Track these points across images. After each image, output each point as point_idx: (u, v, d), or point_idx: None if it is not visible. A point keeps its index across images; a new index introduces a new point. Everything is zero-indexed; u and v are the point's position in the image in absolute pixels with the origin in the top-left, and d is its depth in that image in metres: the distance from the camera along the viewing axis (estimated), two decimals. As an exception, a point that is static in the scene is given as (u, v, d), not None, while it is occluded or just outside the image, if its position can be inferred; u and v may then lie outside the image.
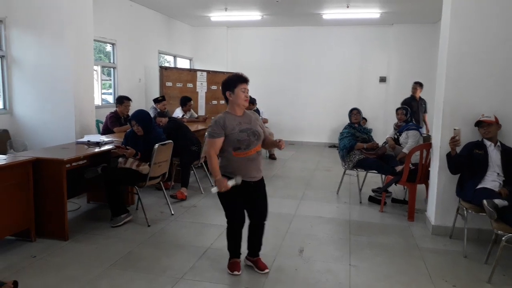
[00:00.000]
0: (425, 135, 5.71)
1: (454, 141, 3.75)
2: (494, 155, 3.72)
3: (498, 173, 3.67)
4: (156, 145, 4.22)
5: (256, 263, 3.29)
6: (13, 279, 2.75)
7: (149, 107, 7.00)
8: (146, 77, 8.68)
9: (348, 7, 8.25)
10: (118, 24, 7.67)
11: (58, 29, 5.25)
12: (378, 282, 3.15)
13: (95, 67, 6.91)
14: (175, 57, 10.39)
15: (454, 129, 3.77)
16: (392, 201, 5.33)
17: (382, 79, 10.39)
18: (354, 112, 5.61)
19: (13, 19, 5.39)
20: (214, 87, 9.20)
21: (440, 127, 4.09)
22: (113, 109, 6.05)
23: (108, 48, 7.85)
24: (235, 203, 3.10)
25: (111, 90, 7.94)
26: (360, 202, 5.28)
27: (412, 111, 6.65)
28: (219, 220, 4.40)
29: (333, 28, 10.33)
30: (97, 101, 7.21)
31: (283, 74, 10.63)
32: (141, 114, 4.44)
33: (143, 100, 8.40)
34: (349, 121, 5.64)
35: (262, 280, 3.13)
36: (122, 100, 5.92)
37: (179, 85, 8.41)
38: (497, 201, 3.26)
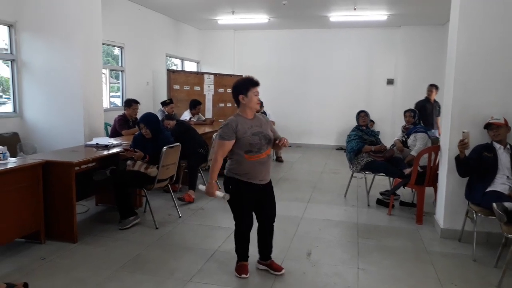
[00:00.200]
0: (433, 137, 5.68)
1: (462, 144, 3.72)
2: (504, 157, 3.69)
3: (507, 176, 3.64)
4: (164, 148, 4.25)
5: (270, 266, 3.30)
6: (23, 281, 2.78)
7: (157, 110, 7.03)
8: (154, 80, 8.73)
9: (355, 9, 8.24)
10: (126, 28, 7.72)
11: (68, 33, 5.30)
12: (387, 286, 3.13)
13: (104, 71, 6.97)
14: (182, 60, 10.44)
15: (463, 132, 3.75)
16: (400, 204, 5.30)
17: (390, 81, 10.36)
18: (362, 115, 5.60)
19: (23, 24, 5.45)
20: (221, 90, 9.23)
21: (448, 130, 4.07)
22: (121, 112, 6.09)
23: (116, 51, 7.91)
24: (244, 205, 3.11)
25: (119, 93, 7.99)
26: (368, 205, 5.25)
27: (426, 113, 6.63)
28: (227, 222, 4.41)
29: (340, 30, 10.31)
30: (106, 104, 7.26)
31: (290, 76, 10.63)
32: (149, 117, 4.47)
33: (151, 103, 8.44)
34: (356, 124, 5.63)
35: (270, 283, 3.13)
36: (130, 103, 5.95)
37: (186, 88, 8.45)
38: (507, 204, 3.23)
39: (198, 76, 8.92)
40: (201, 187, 3.14)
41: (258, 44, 10.97)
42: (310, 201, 5.42)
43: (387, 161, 5.19)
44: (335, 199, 5.58)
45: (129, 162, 4.38)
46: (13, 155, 4.38)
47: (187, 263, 3.44)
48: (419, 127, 5.46)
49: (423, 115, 6.68)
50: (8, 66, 5.60)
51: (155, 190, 4.82)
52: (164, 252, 3.69)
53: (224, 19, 9.48)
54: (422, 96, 7.32)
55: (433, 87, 7.13)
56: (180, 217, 4.62)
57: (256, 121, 3.09)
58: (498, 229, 3.44)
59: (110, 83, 7.70)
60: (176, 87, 8.25)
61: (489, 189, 3.62)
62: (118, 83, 7.96)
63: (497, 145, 3.75)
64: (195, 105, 7.32)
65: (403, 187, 4.97)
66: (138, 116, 5.24)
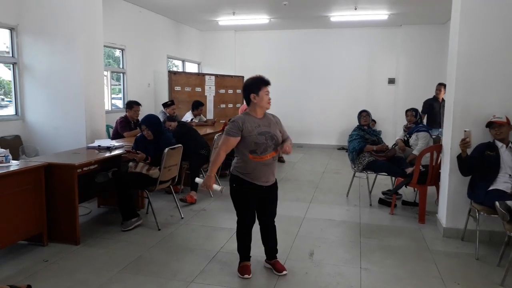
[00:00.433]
0: (434, 136, 5.67)
1: (464, 143, 3.72)
2: (506, 156, 3.68)
3: (510, 175, 3.63)
4: (166, 149, 4.25)
5: (274, 265, 3.31)
6: (27, 283, 2.79)
7: (158, 111, 7.04)
8: (155, 82, 8.75)
9: (356, 9, 8.24)
10: (127, 30, 7.74)
11: (69, 36, 5.32)
12: (389, 285, 3.13)
13: (105, 73, 6.98)
14: (183, 61, 10.45)
15: (465, 131, 3.74)
16: (402, 203, 5.29)
17: (391, 81, 10.35)
18: (363, 114, 5.59)
19: (25, 27, 5.48)
20: (222, 91, 9.24)
21: (450, 129, 4.06)
22: (123, 114, 6.11)
23: (117, 53, 7.93)
24: (247, 203, 3.14)
25: (120, 95, 8.01)
26: (370, 205, 5.25)
27: (433, 112, 6.60)
28: (229, 223, 4.42)
29: (341, 30, 10.31)
30: (107, 106, 7.28)
31: (291, 76, 10.63)
32: (151, 119, 4.48)
33: (152, 104, 8.46)
34: (358, 123, 5.62)
35: (273, 283, 3.13)
36: (131, 105, 5.96)
37: (187, 89, 8.47)
38: (509, 202, 3.21)
39: (199, 77, 8.93)
40: (198, 180, 3.18)
41: (259, 45, 10.97)
42: (312, 201, 5.42)
43: (389, 160, 5.18)
44: (337, 199, 5.58)
45: (131, 163, 4.38)
46: (15, 158, 4.41)
47: (189, 264, 3.44)
48: (421, 126, 5.45)
49: (431, 114, 6.66)
50: (10, 69, 5.62)
51: (157, 192, 4.83)
52: (167, 253, 3.69)
53: (225, 20, 9.49)
54: (423, 95, 7.32)
55: (441, 86, 7.09)
56: (182, 218, 4.62)
57: (265, 120, 3.09)
58: (501, 227, 3.43)
59: (111, 85, 7.72)
60: (177, 88, 8.26)
61: (491, 187, 3.62)
62: (120, 85, 7.98)
63: (499, 144, 3.74)
64: (198, 106, 7.33)
65: (405, 187, 4.96)
66: (140, 117, 5.24)
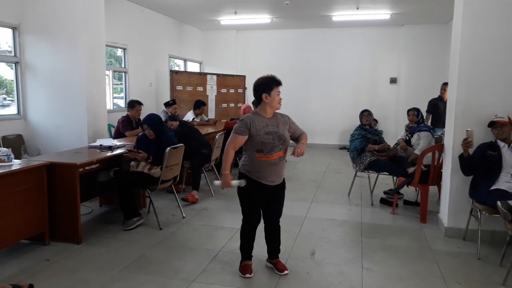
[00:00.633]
0: (437, 136, 5.66)
1: (466, 143, 3.71)
2: (508, 156, 3.68)
3: (511, 175, 3.63)
4: (168, 149, 4.25)
5: (275, 265, 3.31)
6: (29, 283, 2.80)
7: (160, 110, 7.05)
8: (157, 81, 8.75)
9: (358, 8, 8.23)
10: (129, 29, 7.75)
11: (71, 35, 5.32)
12: (391, 285, 3.12)
13: (107, 72, 6.99)
14: (185, 61, 10.46)
15: (467, 131, 3.73)
16: (404, 203, 5.29)
17: (393, 80, 10.33)
18: (365, 114, 5.58)
19: (27, 26, 5.48)
20: (224, 90, 9.25)
21: (452, 128, 4.05)
22: (124, 113, 6.11)
23: (119, 52, 7.94)
24: (253, 202, 3.13)
25: (122, 94, 8.02)
26: (372, 204, 5.24)
27: (438, 112, 6.58)
28: (230, 222, 4.43)
29: (343, 29, 10.30)
30: (109, 106, 7.29)
31: (293, 76, 10.60)
32: (153, 118, 4.48)
33: (154, 104, 8.47)
34: (360, 123, 5.61)
35: (274, 283, 3.13)
36: (133, 104, 5.97)
37: (189, 88, 8.47)
38: (511, 202, 3.21)
39: (201, 76, 8.93)
40: (217, 182, 3.10)
41: (260, 44, 10.97)
42: (314, 201, 5.41)
43: (390, 160, 5.18)
44: (338, 198, 5.57)
45: (132, 163, 4.39)
46: (17, 157, 4.42)
47: (191, 264, 3.45)
48: (423, 125, 5.44)
49: (435, 113, 6.64)
50: (12, 68, 5.63)
51: (159, 191, 4.84)
52: (168, 252, 3.69)
53: (227, 19, 9.49)
54: (425, 94, 7.31)
55: (446, 85, 7.03)
56: (183, 217, 4.63)
57: (273, 120, 3.09)
58: (503, 227, 3.42)
59: (113, 84, 7.72)
60: (179, 87, 8.27)
61: (493, 187, 3.61)
62: (121, 84, 7.99)
63: (501, 143, 3.73)
64: (199, 105, 7.33)
65: (407, 186, 4.95)
66: (142, 117, 5.25)
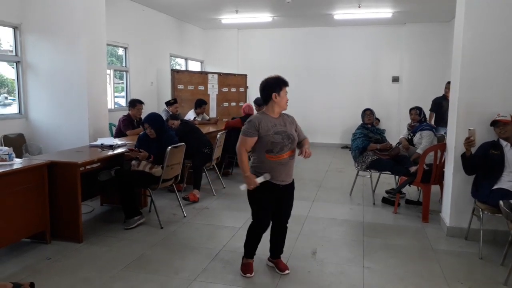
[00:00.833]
0: (440, 135, 5.64)
1: (469, 142, 3.69)
2: (510, 155, 3.66)
3: (514, 174, 3.61)
4: (169, 148, 4.25)
5: (277, 264, 3.31)
6: (30, 281, 2.79)
7: (161, 110, 7.05)
8: (158, 80, 8.75)
9: (359, 7, 8.20)
10: (130, 28, 7.75)
11: (72, 35, 5.32)
12: (392, 284, 3.11)
13: (108, 71, 6.99)
14: (186, 59, 10.45)
15: (469, 130, 3.72)
16: (406, 202, 5.27)
17: (395, 79, 10.31)
18: (367, 113, 5.56)
19: (28, 26, 5.49)
20: (225, 89, 9.23)
21: (454, 127, 4.03)
22: (125, 112, 6.11)
23: (120, 52, 7.94)
24: (265, 203, 3.09)
25: (123, 94, 8.02)
26: (374, 204, 5.23)
27: (442, 111, 6.55)
28: (232, 222, 4.42)
29: (345, 28, 10.28)
30: (110, 105, 7.29)
31: (294, 75, 10.51)
32: (154, 117, 4.48)
33: (155, 103, 8.47)
34: (362, 122, 5.60)
35: (275, 282, 3.12)
36: (134, 103, 5.97)
37: (190, 87, 8.46)
38: (513, 202, 3.20)
39: (202, 75, 8.92)
40: (242, 187, 3.02)
41: (262, 43, 10.96)
42: (315, 200, 5.40)
43: (392, 159, 5.16)
44: (340, 197, 5.56)
45: (133, 162, 4.38)
46: (18, 156, 4.42)
47: (192, 263, 3.44)
48: (425, 124, 5.42)
49: (439, 112, 6.62)
50: (13, 67, 5.63)
51: (160, 190, 4.84)
52: (169, 251, 3.69)
53: (228, 18, 9.48)
54: (427, 93, 7.29)
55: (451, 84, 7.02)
56: (185, 216, 4.62)
57: (281, 120, 3.09)
58: (505, 227, 3.41)
59: (114, 83, 7.72)
60: (180, 87, 8.25)
61: (495, 186, 3.60)
62: (123, 83, 7.99)
63: (503, 143, 3.72)
64: (201, 104, 7.32)
65: (409, 185, 4.94)
66: (143, 116, 5.24)
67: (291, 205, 3.23)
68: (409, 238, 4.09)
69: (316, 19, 9.56)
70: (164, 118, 5.34)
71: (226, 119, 7.94)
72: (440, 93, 6.91)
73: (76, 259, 3.49)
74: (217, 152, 5.75)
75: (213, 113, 8.80)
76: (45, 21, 5.41)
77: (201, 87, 8.71)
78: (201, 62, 11.23)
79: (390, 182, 5.96)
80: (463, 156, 3.80)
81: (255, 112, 6.42)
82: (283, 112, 3.17)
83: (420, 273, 3.31)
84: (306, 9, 8.49)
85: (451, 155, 4.11)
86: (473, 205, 3.84)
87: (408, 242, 3.97)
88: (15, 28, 5.50)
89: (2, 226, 3.32)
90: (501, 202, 3.20)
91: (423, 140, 5.17)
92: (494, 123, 3.76)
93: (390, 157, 5.18)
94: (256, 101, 6.24)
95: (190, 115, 7.32)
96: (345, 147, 10.18)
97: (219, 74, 9.19)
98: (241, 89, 9.66)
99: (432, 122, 6.49)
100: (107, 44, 6.23)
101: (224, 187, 5.93)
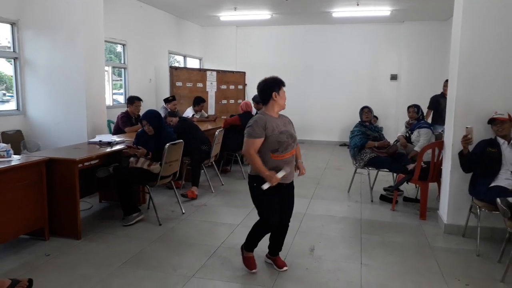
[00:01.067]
0: (437, 133, 5.65)
1: (466, 140, 3.71)
2: (508, 153, 3.67)
3: (511, 171, 3.62)
4: (167, 145, 4.25)
5: (275, 261, 3.32)
6: (28, 277, 2.79)
7: (160, 107, 7.04)
8: (157, 77, 8.74)
9: (358, 4, 8.20)
10: (128, 25, 7.73)
11: (70, 31, 5.31)
12: (390, 281, 3.13)
13: (106, 68, 6.97)
14: (185, 57, 10.44)
15: (466, 128, 3.73)
16: (403, 199, 5.29)
17: (393, 77, 10.32)
18: (365, 110, 5.57)
19: (26, 22, 5.47)
20: (223, 87, 9.23)
21: (452, 125, 4.04)
22: (124, 109, 6.10)
23: (119, 48, 7.92)
24: (273, 202, 3.08)
25: (122, 90, 8.01)
26: (372, 201, 5.25)
27: (439, 108, 6.56)
28: (230, 218, 4.43)
29: (343, 26, 10.28)
30: (108, 101, 7.28)
31: (293, 72, 10.57)
32: (152, 114, 4.47)
33: (153, 100, 8.46)
34: (360, 119, 5.61)
35: (273, 279, 3.13)
36: (133, 100, 5.96)
37: (189, 84, 8.45)
38: (511, 199, 3.21)
39: (201, 73, 8.91)
40: (265, 186, 2.95)
41: (260, 41, 10.95)
42: (314, 197, 5.42)
43: (390, 156, 5.17)
44: (338, 195, 5.58)
45: (132, 159, 4.38)
46: (16, 152, 4.42)
47: (190, 259, 3.45)
48: (423, 122, 5.43)
49: (437, 110, 6.64)
50: (11, 64, 5.62)
51: (158, 187, 4.84)
52: (167, 248, 3.70)
53: (227, 15, 9.47)
54: (425, 91, 7.30)
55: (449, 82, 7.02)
56: (183, 213, 4.63)
57: (280, 120, 3.10)
58: (502, 224, 3.43)
59: (113, 80, 7.71)
60: (179, 84, 8.25)
61: (493, 184, 3.61)
62: (121, 80, 7.97)
63: (501, 140, 3.73)
64: (199, 102, 7.32)
65: (407, 183, 4.95)
66: (141, 113, 5.24)
67: (293, 203, 3.24)
68: (406, 235, 4.11)
69: (314, 16, 9.55)
70: (163, 115, 5.35)
71: (225, 117, 7.94)
72: (439, 91, 6.92)
73: (74, 256, 3.50)
74: (216, 149, 5.75)
75: (211, 111, 8.80)
76: (43, 17, 5.39)
77: (200, 84, 8.70)
78: (200, 59, 11.22)
79: (388, 179, 5.97)
80: (461, 154, 3.81)
81: (253, 109, 6.42)
82: (280, 113, 3.18)
83: (417, 270, 3.33)
84: (304, 6, 8.49)
85: (449, 153, 4.12)
86: (470, 202, 3.86)
87: (405, 239, 3.99)
88: (13, 24, 5.48)
89: (0, 222, 3.32)
90: (498, 200, 3.21)
91: (420, 138, 5.18)
92: (492, 121, 3.77)
93: (388, 155, 5.19)
94: (254, 99, 6.24)
95: (189, 113, 7.32)
96: (343, 144, 10.20)
97: (218, 71, 9.18)
98: (240, 87, 9.66)
99: (430, 120, 6.50)
100: (106, 41, 6.22)
101: (223, 184, 5.94)
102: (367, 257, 3.55)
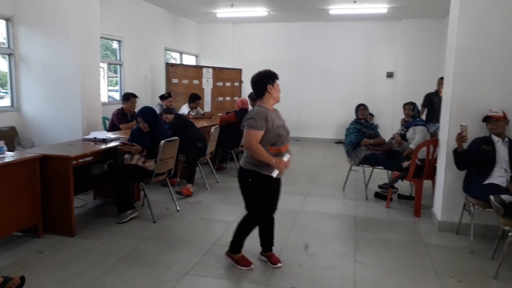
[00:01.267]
0: (432, 130, 5.66)
1: (461, 137, 3.72)
2: (502, 150, 3.69)
3: (505, 169, 3.64)
4: (162, 142, 4.24)
5: (269, 258, 3.32)
6: (20, 275, 2.79)
7: (155, 103, 7.02)
8: (152, 74, 8.71)
9: (355, 2, 8.18)
10: (124, 22, 7.69)
11: (65, 27, 5.27)
12: (384, 278, 3.14)
13: (102, 64, 6.94)
14: (181, 53, 10.40)
15: (461, 125, 3.74)
16: (398, 197, 5.30)
17: (390, 75, 10.33)
18: (361, 108, 5.58)
19: (21, 17, 5.43)
20: (220, 84, 9.21)
21: (447, 123, 4.05)
22: (119, 106, 6.08)
23: (115, 45, 7.88)
24: (270, 194, 3.13)
25: (117, 87, 7.97)
26: (366, 198, 5.26)
27: (433, 106, 6.58)
28: (225, 216, 4.43)
29: (340, 23, 10.27)
30: (104, 98, 7.25)
31: (289, 70, 10.55)
32: (147, 111, 4.46)
33: (149, 97, 8.43)
34: (355, 117, 5.61)
35: (267, 276, 3.14)
36: (128, 97, 5.94)
37: (185, 81, 8.43)
38: (504, 196, 3.22)
39: (197, 69, 8.89)
40: (275, 173, 2.97)
41: (257, 37, 10.93)
42: (309, 194, 5.42)
43: (385, 154, 5.18)
44: (333, 192, 5.58)
45: (126, 156, 4.37)
46: (10, 149, 4.40)
47: (184, 256, 3.45)
48: (418, 120, 5.44)
49: (430, 108, 6.65)
50: (5, 60, 5.58)
51: (154, 184, 4.83)
52: (162, 245, 3.69)
53: (223, 12, 9.44)
54: (421, 89, 7.30)
55: (443, 80, 7.02)
56: (178, 210, 4.62)
57: (275, 114, 3.10)
58: (495, 221, 3.44)
59: (108, 77, 7.68)
60: (175, 80, 8.22)
61: (486, 181, 3.62)
62: (117, 77, 7.94)
63: (495, 138, 3.74)
64: (194, 99, 7.30)
65: (401, 180, 4.96)
66: (136, 110, 5.22)
67: (279, 197, 3.26)
68: (401, 232, 4.12)
69: (311, 14, 9.53)
70: (158, 112, 5.33)
71: (221, 114, 7.92)
72: (434, 89, 6.93)
73: (68, 253, 3.49)
74: (211, 147, 5.74)
75: (207, 108, 8.78)
76: (38, 13, 5.35)
77: (196, 81, 8.68)
78: (196, 56, 11.18)
79: (383, 177, 5.99)
80: (455, 151, 3.82)
81: (250, 107, 6.41)
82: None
83: (411, 267, 3.34)
84: (301, 3, 8.47)
85: (443, 150, 4.14)
86: (464, 200, 3.87)
87: (400, 237, 4.00)
88: (7, 20, 5.44)
89: (-7, 219, 3.31)
90: (491, 197, 3.23)
91: (416, 135, 5.19)
92: (486, 119, 3.78)
93: (383, 152, 5.20)
94: (250, 96, 6.23)
95: (184, 109, 7.30)
96: (339, 142, 10.21)
97: (214, 68, 9.15)
98: (236, 84, 9.64)
99: (424, 118, 6.51)
100: (101, 37, 6.19)
101: (218, 182, 5.93)
102: (361, 254, 3.56)
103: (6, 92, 5.76)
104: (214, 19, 10.19)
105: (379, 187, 5.53)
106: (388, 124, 9.87)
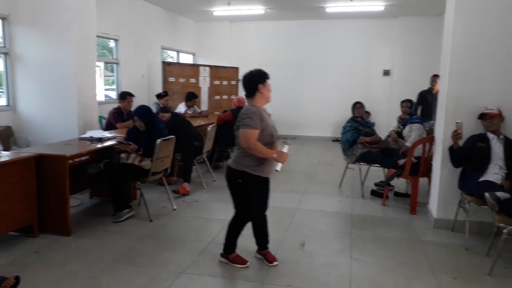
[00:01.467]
0: (428, 128, 5.67)
1: (456, 135, 3.73)
2: (497, 148, 3.70)
3: (500, 166, 3.65)
4: (158, 141, 4.23)
5: (265, 256, 3.33)
6: (16, 274, 2.78)
7: (152, 102, 7.00)
8: (149, 73, 8.69)
9: (351, 0, 8.19)
10: (121, 20, 7.67)
11: (61, 26, 5.26)
12: (380, 275, 3.15)
13: (98, 63, 6.92)
14: (178, 52, 10.38)
15: (456, 123, 3.75)
16: (394, 194, 5.31)
17: (386, 73, 10.33)
18: (357, 106, 5.59)
19: (17, 16, 5.41)
20: (217, 82, 9.20)
21: (443, 120, 4.07)
22: (116, 105, 6.07)
23: (111, 44, 7.86)
24: (261, 193, 3.15)
25: (114, 86, 7.96)
26: (363, 196, 5.27)
27: (426, 104, 6.59)
28: (221, 214, 4.43)
29: (337, 21, 10.26)
30: (100, 97, 7.23)
31: (286, 68, 10.57)
32: (143, 110, 4.45)
33: (146, 95, 8.40)
34: (352, 115, 5.61)
35: (263, 274, 3.14)
36: (124, 96, 5.93)
37: (182, 80, 8.41)
38: (499, 193, 3.25)
39: (194, 68, 8.88)
40: (278, 167, 3.01)
41: (254, 36, 10.92)
42: (306, 193, 5.43)
43: (381, 152, 5.19)
44: (330, 190, 5.59)
45: (123, 155, 4.36)
46: (7, 148, 4.39)
47: (181, 255, 3.45)
48: (415, 117, 5.45)
49: (424, 105, 6.66)
50: (1, 59, 5.56)
51: (150, 183, 4.82)
52: (158, 244, 3.69)
53: (220, 10, 9.42)
54: (418, 86, 7.28)
55: (437, 77, 6.98)
56: (174, 209, 4.62)
57: (266, 113, 3.09)
58: (490, 218, 3.46)
59: (105, 75, 7.66)
60: (172, 79, 8.21)
61: (482, 179, 3.63)
62: (113, 75, 7.92)
63: (490, 135, 3.76)
64: (191, 97, 7.29)
65: (398, 178, 4.98)
66: (133, 109, 5.22)
67: (269, 195, 3.26)
68: (397, 230, 4.13)
69: (308, 12, 9.53)
70: (155, 110, 5.33)
71: (218, 113, 7.92)
72: (428, 86, 6.95)
73: (64, 253, 3.48)
74: (208, 145, 5.74)
75: (204, 106, 8.77)
76: (34, 12, 5.33)
77: (193, 80, 8.67)
78: (193, 55, 11.17)
79: (379, 174, 5.99)
80: (451, 148, 3.83)
81: (246, 105, 6.40)
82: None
83: (407, 264, 3.35)
84: (298, 1, 8.46)
85: (439, 147, 4.15)
86: (459, 197, 3.89)
87: (396, 234, 4.01)
88: (3, 19, 5.42)
89: (-11, 219, 3.30)
90: (486, 194, 3.25)
91: (412, 133, 5.20)
92: (482, 116, 3.80)
93: (379, 150, 5.21)
94: (247, 95, 6.21)
95: (181, 108, 7.29)
96: (336, 140, 10.19)
97: (211, 66, 9.14)
98: (233, 82, 9.64)
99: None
100: (98, 36, 6.17)
101: (215, 180, 5.93)
102: (358, 251, 3.57)
103: (1, 92, 5.74)
104: (211, 17, 10.18)
105: (376, 185, 5.54)
106: (385, 122, 9.86)
